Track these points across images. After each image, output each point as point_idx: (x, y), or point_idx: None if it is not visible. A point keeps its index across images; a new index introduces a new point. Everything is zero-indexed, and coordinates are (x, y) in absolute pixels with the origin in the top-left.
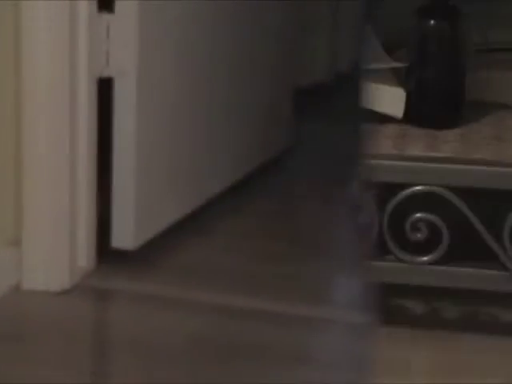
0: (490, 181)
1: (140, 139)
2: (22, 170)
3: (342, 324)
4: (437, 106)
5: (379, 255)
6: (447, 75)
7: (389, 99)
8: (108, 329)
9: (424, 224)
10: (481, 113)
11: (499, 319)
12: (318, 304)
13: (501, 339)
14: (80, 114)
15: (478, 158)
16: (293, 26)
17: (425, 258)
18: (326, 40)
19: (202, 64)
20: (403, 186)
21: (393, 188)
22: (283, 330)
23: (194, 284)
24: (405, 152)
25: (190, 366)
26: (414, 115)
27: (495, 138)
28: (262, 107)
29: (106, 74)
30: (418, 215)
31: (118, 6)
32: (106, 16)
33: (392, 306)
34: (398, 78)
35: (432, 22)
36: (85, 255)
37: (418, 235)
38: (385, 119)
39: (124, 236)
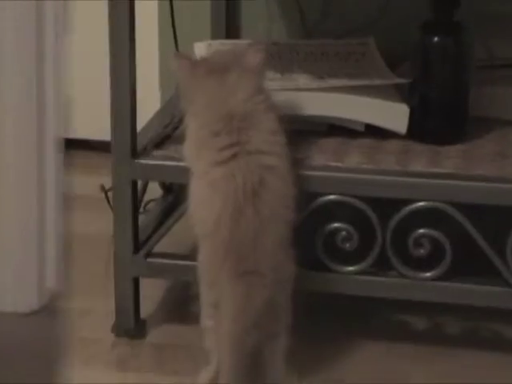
0: (493, 197)
1: None
2: None
3: None
4: (440, 121)
5: (382, 271)
6: (450, 91)
7: (392, 115)
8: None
9: (427, 240)
10: (484, 129)
11: (502, 335)
12: None
13: (503, 356)
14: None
15: (480, 174)
16: None
17: (427, 274)
18: None
19: None
20: (406, 202)
21: (396, 204)
22: None
23: None
24: (408, 168)
25: None
26: (417, 131)
27: (498, 154)
28: None
29: None
30: (421, 231)
31: None
32: None
33: (394, 322)
34: (402, 93)
35: (436, 37)
36: (53, 276)
37: (421, 251)
38: (387, 135)
39: None
